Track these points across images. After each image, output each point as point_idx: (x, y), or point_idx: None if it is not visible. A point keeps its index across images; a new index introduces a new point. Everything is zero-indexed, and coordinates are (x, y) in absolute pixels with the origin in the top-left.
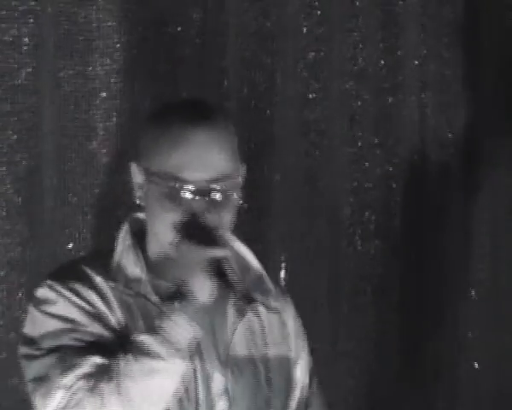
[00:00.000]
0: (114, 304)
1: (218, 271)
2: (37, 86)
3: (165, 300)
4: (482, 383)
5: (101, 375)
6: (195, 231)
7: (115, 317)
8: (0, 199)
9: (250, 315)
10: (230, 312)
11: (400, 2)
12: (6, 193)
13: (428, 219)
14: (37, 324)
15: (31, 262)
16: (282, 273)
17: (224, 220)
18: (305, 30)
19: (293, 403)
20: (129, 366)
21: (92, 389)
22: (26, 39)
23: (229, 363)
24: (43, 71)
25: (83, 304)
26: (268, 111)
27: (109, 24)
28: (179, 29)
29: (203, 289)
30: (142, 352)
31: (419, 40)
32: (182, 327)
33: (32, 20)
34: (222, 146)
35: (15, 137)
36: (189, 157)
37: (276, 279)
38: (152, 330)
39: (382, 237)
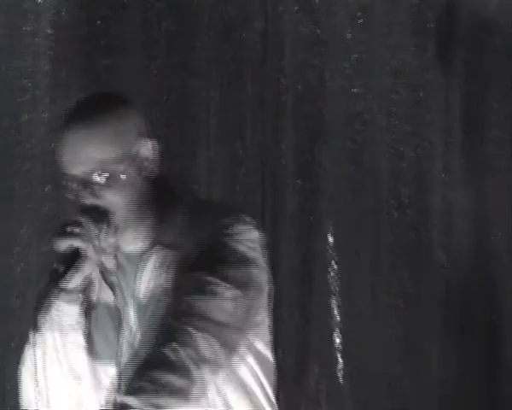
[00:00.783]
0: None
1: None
2: None
3: None
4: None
5: None
6: (64, 221)
7: None
8: None
9: (155, 258)
10: (137, 259)
11: (429, 14)
12: None
13: (453, 193)
14: None
15: None
16: (331, 238)
17: (115, 201)
18: (349, 36)
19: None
20: None
21: None
22: None
23: (136, 303)
24: None
25: None
26: (319, 104)
27: None
28: (244, 35)
29: (57, 274)
30: None
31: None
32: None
33: None
34: (91, 138)
35: None
36: (65, 155)
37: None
38: None
39: (415, 209)
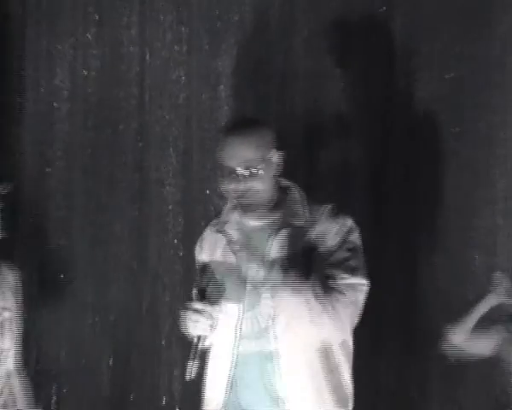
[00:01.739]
0: (212, 244)
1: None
2: None
3: None
4: None
5: None
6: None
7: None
8: None
9: (283, 234)
10: (263, 232)
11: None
12: None
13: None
14: None
15: None
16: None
17: (254, 187)
18: (337, 71)
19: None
20: None
21: None
22: None
23: (266, 263)
24: None
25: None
26: (315, 119)
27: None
28: (271, 72)
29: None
30: None
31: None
32: None
33: None
34: (245, 145)
35: None
36: (225, 152)
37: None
38: None
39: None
